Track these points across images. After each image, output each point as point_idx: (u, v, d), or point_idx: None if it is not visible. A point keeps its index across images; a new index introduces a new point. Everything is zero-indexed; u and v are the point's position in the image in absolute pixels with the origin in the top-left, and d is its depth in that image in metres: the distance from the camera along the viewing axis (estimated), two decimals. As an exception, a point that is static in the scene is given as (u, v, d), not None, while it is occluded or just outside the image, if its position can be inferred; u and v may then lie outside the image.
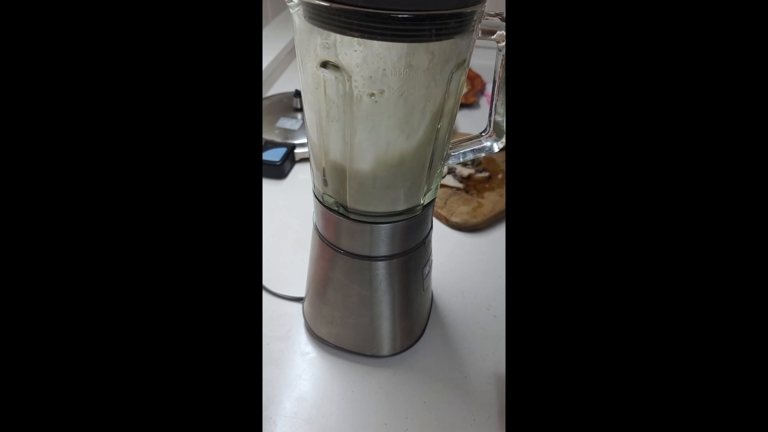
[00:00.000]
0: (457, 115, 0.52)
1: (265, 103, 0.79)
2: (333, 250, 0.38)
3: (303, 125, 0.73)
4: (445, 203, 0.61)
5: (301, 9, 0.26)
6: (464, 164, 0.67)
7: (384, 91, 0.27)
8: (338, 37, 0.26)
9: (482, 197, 0.62)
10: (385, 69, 0.26)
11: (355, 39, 0.25)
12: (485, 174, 0.65)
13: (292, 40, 0.69)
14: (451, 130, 0.34)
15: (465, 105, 0.87)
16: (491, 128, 0.36)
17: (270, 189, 0.64)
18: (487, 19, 0.29)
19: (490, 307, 0.49)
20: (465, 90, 0.88)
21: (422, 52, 0.26)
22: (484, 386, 0.41)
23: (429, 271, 0.43)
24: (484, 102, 0.90)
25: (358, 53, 0.26)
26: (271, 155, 0.66)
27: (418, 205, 0.36)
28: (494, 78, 0.32)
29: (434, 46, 0.26)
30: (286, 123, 0.74)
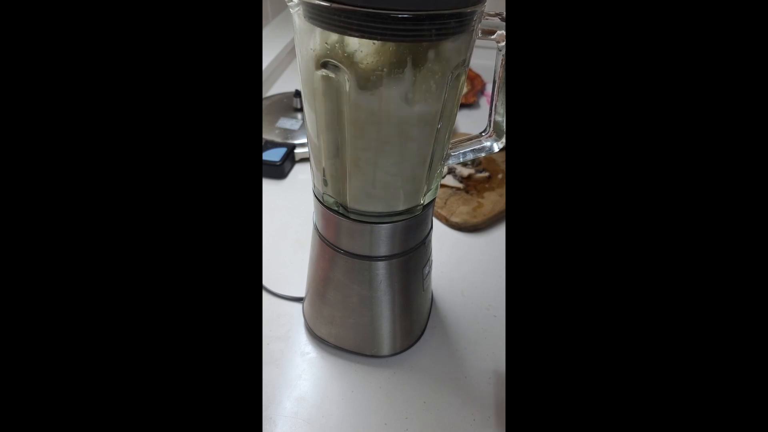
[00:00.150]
0: (457, 115, 0.52)
1: (265, 103, 0.79)
2: (333, 250, 0.38)
3: (303, 125, 0.73)
4: (445, 203, 0.61)
5: (301, 9, 0.26)
6: (464, 164, 0.67)
7: (384, 91, 0.27)
8: (338, 37, 0.26)
9: (482, 197, 0.62)
10: (384, 69, 0.26)
11: (355, 39, 0.25)
12: (485, 174, 0.65)
13: (292, 40, 0.69)
14: (451, 130, 0.34)
15: (465, 105, 0.87)
16: (491, 128, 0.36)
17: (270, 189, 0.64)
18: (487, 19, 0.29)
19: (490, 307, 0.49)
20: (465, 90, 0.88)
21: (422, 52, 0.26)
22: (484, 386, 0.41)
23: (429, 271, 0.43)
24: (484, 102, 0.90)
25: (358, 53, 0.26)
26: (271, 155, 0.66)
27: (418, 205, 0.36)
28: (494, 78, 0.32)
29: (434, 46, 0.26)
30: (286, 123, 0.74)
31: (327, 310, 0.41)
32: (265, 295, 0.49)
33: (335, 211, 0.35)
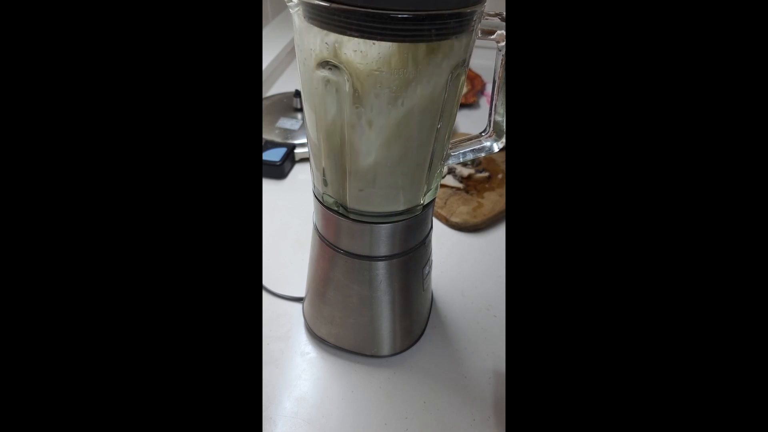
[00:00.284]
0: (457, 115, 0.52)
1: (265, 103, 0.79)
2: (333, 250, 0.38)
3: (303, 125, 0.73)
4: (445, 203, 0.61)
5: (301, 9, 0.26)
6: (464, 164, 0.67)
7: (383, 90, 0.27)
8: (338, 37, 0.26)
9: (482, 197, 0.62)
10: (384, 69, 0.26)
11: (355, 39, 0.25)
12: (485, 174, 0.65)
13: (292, 40, 0.69)
14: (451, 130, 0.34)
15: (465, 105, 0.87)
16: (491, 128, 0.36)
17: (270, 189, 0.64)
18: (486, 19, 0.29)
19: (490, 307, 0.49)
20: (465, 90, 0.88)
21: (422, 52, 0.26)
22: (484, 386, 0.41)
23: (429, 271, 0.43)
24: (484, 102, 0.90)
25: (358, 53, 0.26)
26: (271, 155, 0.66)
27: (418, 205, 0.36)
28: (494, 78, 0.32)
29: (434, 46, 0.26)
30: (286, 123, 0.74)
31: (327, 310, 0.41)
32: (265, 295, 0.49)
33: (335, 211, 0.35)
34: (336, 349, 0.43)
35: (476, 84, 0.91)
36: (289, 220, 0.59)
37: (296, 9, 0.27)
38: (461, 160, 0.36)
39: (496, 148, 0.36)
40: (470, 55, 0.30)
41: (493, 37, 0.30)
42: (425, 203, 0.36)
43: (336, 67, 0.27)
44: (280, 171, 0.65)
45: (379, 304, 0.39)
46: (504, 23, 0.29)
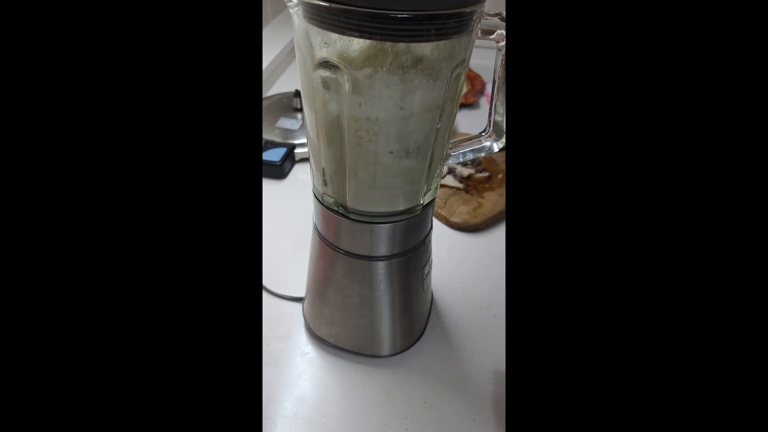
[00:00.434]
0: (457, 115, 0.52)
1: (265, 103, 0.79)
2: (333, 250, 0.38)
3: (303, 125, 0.73)
4: (445, 203, 0.61)
5: (301, 9, 0.26)
6: (464, 164, 0.67)
7: (383, 91, 0.27)
8: (338, 37, 0.26)
9: (482, 197, 0.62)
10: (384, 69, 0.26)
11: (355, 39, 0.25)
12: (485, 174, 0.65)
13: (292, 40, 0.69)
14: (451, 130, 0.34)
15: (465, 105, 0.87)
16: (491, 128, 0.36)
17: (270, 189, 0.64)
18: (486, 19, 0.29)
19: (490, 307, 0.49)
20: (465, 90, 0.88)
21: (422, 52, 0.26)
22: (484, 386, 0.41)
23: (429, 271, 0.43)
24: (484, 102, 0.90)
25: (358, 53, 0.26)
26: (271, 155, 0.66)
27: (418, 205, 0.36)
28: (494, 78, 0.32)
29: (434, 46, 0.26)
30: (286, 123, 0.74)
31: (327, 310, 0.41)
32: (265, 295, 0.49)
33: (335, 211, 0.35)
34: (336, 349, 0.43)
35: (476, 84, 0.91)
36: (289, 220, 0.59)
37: (296, 9, 0.27)
38: (461, 160, 0.36)
39: (496, 148, 0.36)
40: (470, 55, 0.30)
41: (492, 37, 0.30)
42: (425, 203, 0.36)
43: (336, 67, 0.27)
44: (280, 171, 0.65)
45: (379, 304, 0.39)
46: (504, 23, 0.29)
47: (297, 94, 0.77)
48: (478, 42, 0.30)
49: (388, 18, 0.24)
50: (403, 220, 0.35)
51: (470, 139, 0.37)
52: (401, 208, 0.35)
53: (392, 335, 0.42)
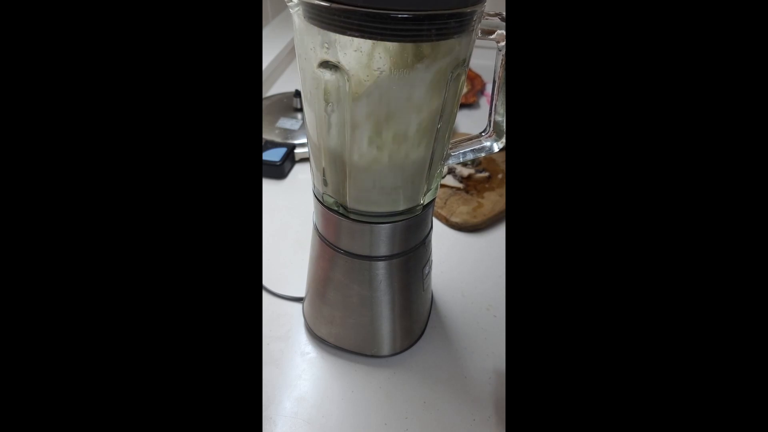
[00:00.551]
0: (457, 115, 0.52)
1: (265, 103, 0.79)
2: (333, 250, 0.38)
3: (303, 125, 0.73)
4: (445, 203, 0.61)
5: (301, 9, 0.26)
6: (464, 164, 0.67)
7: (383, 91, 0.27)
8: (338, 37, 0.26)
9: (482, 197, 0.62)
10: (384, 69, 0.26)
11: (355, 39, 0.25)
12: (485, 174, 0.65)
13: (292, 40, 0.69)
14: (451, 130, 0.34)
15: (465, 105, 0.87)
16: (491, 128, 0.36)
17: (270, 189, 0.64)
18: (486, 19, 0.29)
19: (490, 307, 0.49)
20: (465, 90, 0.88)
21: (422, 52, 0.26)
22: (484, 386, 0.41)
23: (429, 271, 0.43)
24: (484, 102, 0.90)
25: (358, 53, 0.26)
26: (271, 155, 0.66)
27: (418, 205, 0.36)
28: (494, 78, 0.32)
29: (434, 46, 0.26)
30: (286, 123, 0.74)
31: (327, 310, 0.41)
32: (265, 295, 0.49)
33: (335, 211, 0.35)
34: (336, 349, 0.43)
35: (476, 84, 0.91)
36: (289, 220, 0.59)
37: (296, 9, 0.27)
38: (461, 160, 0.36)
39: (496, 148, 0.36)
40: (470, 55, 0.30)
41: (493, 37, 0.30)
42: (425, 203, 0.36)
43: (336, 67, 0.27)
44: (280, 171, 0.65)
45: (379, 304, 0.39)
46: (504, 23, 0.29)
47: (297, 94, 0.77)
48: (478, 42, 0.30)
49: (388, 18, 0.24)
50: (403, 220, 0.35)
51: (470, 139, 0.37)
52: (401, 208, 0.35)
53: (392, 335, 0.42)
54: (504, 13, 0.28)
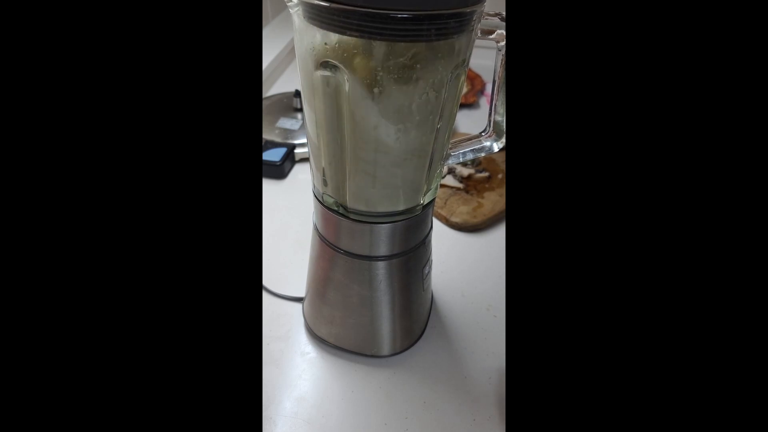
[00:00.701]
0: (457, 115, 0.52)
1: (265, 103, 0.79)
2: (333, 250, 0.38)
3: (303, 125, 0.73)
4: (445, 203, 0.61)
5: (301, 9, 0.26)
6: (464, 164, 0.67)
7: (383, 91, 0.27)
8: (338, 37, 0.26)
9: (482, 197, 0.62)
10: (384, 69, 0.26)
11: (355, 39, 0.25)
12: (485, 174, 0.65)
13: (292, 40, 0.69)
14: (451, 130, 0.34)
15: (465, 105, 0.87)
16: (491, 128, 0.36)
17: (270, 189, 0.64)
18: (486, 18, 0.29)
19: (490, 307, 0.49)
20: (465, 90, 0.88)
21: (422, 52, 0.26)
22: (484, 386, 0.41)
23: (429, 271, 0.43)
24: (484, 102, 0.90)
25: (357, 53, 0.26)
26: (271, 155, 0.66)
27: (418, 205, 0.36)
28: (494, 78, 0.32)
29: (434, 45, 0.26)
30: (286, 123, 0.74)
31: (327, 310, 0.41)
32: (265, 295, 0.49)
33: (335, 211, 0.35)
34: (336, 349, 0.43)
35: (476, 84, 0.91)
36: (289, 220, 0.59)
37: (296, 9, 0.27)
38: (461, 160, 0.36)
39: (496, 148, 0.36)
40: (470, 55, 0.30)
41: (492, 36, 0.30)
42: (425, 203, 0.36)
43: (336, 66, 0.27)
44: (280, 171, 0.65)
45: (379, 304, 0.39)
46: (504, 23, 0.29)
47: (297, 94, 0.77)
48: (478, 42, 0.30)
49: (388, 18, 0.24)
50: (403, 220, 0.35)
51: (470, 139, 0.37)
52: (401, 208, 0.35)
53: (392, 335, 0.42)
54: (504, 13, 0.28)
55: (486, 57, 0.63)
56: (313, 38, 0.27)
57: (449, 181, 0.64)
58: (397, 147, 0.30)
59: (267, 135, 0.71)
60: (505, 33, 0.30)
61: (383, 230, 0.35)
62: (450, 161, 0.36)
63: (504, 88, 0.32)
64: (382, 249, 0.37)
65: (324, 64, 0.27)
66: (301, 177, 0.67)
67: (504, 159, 0.69)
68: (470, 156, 0.37)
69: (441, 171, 0.36)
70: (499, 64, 0.32)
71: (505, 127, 0.35)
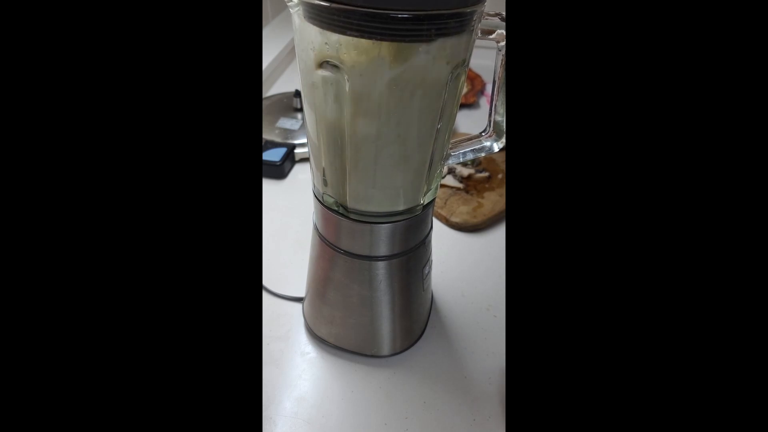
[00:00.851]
0: (457, 115, 0.52)
1: (265, 103, 0.79)
2: (333, 250, 0.38)
3: (303, 125, 0.73)
4: (445, 203, 0.61)
5: (301, 9, 0.26)
6: (464, 164, 0.67)
7: (383, 91, 0.27)
8: (338, 37, 0.26)
9: (482, 197, 0.62)
10: (384, 69, 0.26)
11: (355, 39, 0.25)
12: (485, 174, 0.65)
13: (292, 40, 0.69)
14: (451, 130, 0.34)
15: (465, 105, 0.87)
16: (491, 128, 0.36)
17: (270, 189, 0.64)
18: (486, 18, 0.29)
19: (490, 307, 0.49)
20: (465, 90, 0.88)
21: (422, 52, 0.26)
22: (484, 386, 0.41)
23: (429, 271, 0.43)
24: (484, 102, 0.90)
25: (358, 53, 0.26)
26: (271, 155, 0.66)
27: (418, 205, 0.36)
28: (494, 78, 0.32)
29: (434, 45, 0.26)
30: (286, 123, 0.74)
31: (327, 310, 0.41)
32: (265, 295, 0.49)
33: (335, 211, 0.35)
34: (336, 349, 0.43)
35: (476, 84, 0.91)
36: (289, 220, 0.59)
37: (296, 9, 0.27)
38: (461, 160, 0.36)
39: (496, 148, 0.36)
40: (470, 55, 0.30)
41: (492, 36, 0.30)
42: (425, 203, 0.36)
43: (336, 66, 0.27)
44: (280, 171, 0.65)
45: (379, 304, 0.39)
46: (504, 23, 0.29)
47: (297, 94, 0.77)
48: (478, 42, 0.30)
49: (388, 18, 0.24)
50: (403, 220, 0.35)
51: (470, 139, 0.37)
52: (401, 208, 0.35)
53: (392, 335, 0.42)
54: (504, 13, 0.28)
55: (486, 57, 0.63)
56: (313, 38, 0.27)
57: (449, 181, 0.64)
58: (398, 147, 0.30)
59: (267, 135, 0.71)
60: (505, 33, 0.30)
61: (383, 230, 0.35)
62: (450, 161, 0.36)
63: (504, 88, 0.32)
64: (382, 249, 0.37)
65: (324, 64, 0.27)
66: (301, 177, 0.67)
67: (504, 159, 0.69)
68: (470, 156, 0.37)
69: (441, 171, 0.36)
70: (499, 64, 0.32)
71: (505, 127, 0.35)
